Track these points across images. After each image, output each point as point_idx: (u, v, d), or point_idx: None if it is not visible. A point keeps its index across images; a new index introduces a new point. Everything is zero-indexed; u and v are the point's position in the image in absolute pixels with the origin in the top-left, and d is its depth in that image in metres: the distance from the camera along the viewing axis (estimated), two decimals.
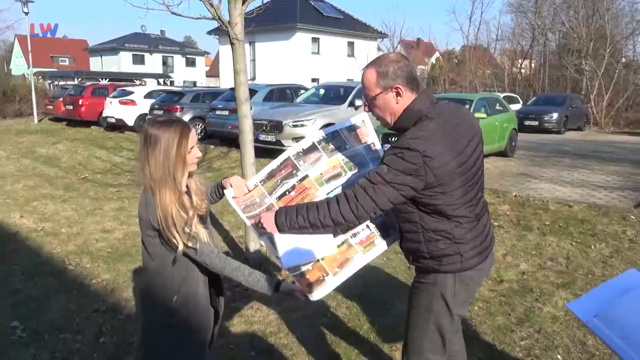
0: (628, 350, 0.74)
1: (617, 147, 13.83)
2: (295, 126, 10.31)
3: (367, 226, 2.18)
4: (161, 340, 1.96)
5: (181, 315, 1.94)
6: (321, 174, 2.24)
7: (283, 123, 10.30)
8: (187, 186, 1.98)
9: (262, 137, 10.48)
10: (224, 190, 2.20)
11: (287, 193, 2.20)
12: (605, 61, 22.50)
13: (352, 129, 2.36)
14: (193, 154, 1.94)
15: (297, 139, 10.18)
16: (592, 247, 5.09)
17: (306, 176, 2.23)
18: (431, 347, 2.09)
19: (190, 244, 1.87)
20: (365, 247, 2.16)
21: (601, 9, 24.57)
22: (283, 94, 14.10)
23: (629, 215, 5.93)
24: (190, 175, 1.99)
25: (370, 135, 2.35)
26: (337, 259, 2.13)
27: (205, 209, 2.03)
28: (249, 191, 2.20)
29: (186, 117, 13.91)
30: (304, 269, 2.11)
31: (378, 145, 2.32)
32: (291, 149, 2.29)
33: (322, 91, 12.94)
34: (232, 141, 11.47)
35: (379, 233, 2.18)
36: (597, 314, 0.81)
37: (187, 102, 14.39)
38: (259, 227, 2.08)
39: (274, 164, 2.26)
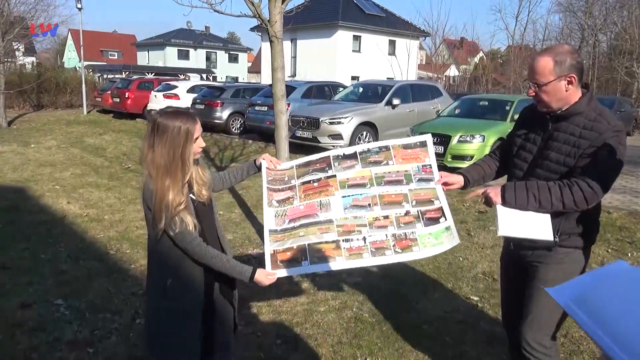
0: (604, 336, 0.75)
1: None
2: (331, 123, 10.38)
3: (364, 238, 2.27)
4: (155, 319, 2.08)
5: (173, 297, 2.03)
6: (347, 178, 2.40)
7: (320, 120, 10.39)
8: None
9: (299, 133, 10.60)
10: (262, 162, 2.41)
11: (311, 182, 2.39)
12: None
13: (410, 146, 2.47)
14: (197, 143, 2.05)
15: (333, 136, 10.27)
16: (629, 254, 4.95)
17: (334, 176, 2.41)
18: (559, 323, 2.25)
19: (174, 228, 1.96)
20: (350, 255, 2.24)
21: None
22: (321, 91, 14.17)
23: None
24: (194, 163, 2.10)
25: (430, 157, 2.44)
26: (321, 252, 2.23)
27: (207, 197, 2.14)
28: (283, 170, 2.43)
29: (226, 112, 14.24)
30: (290, 245, 2.24)
31: (435, 169, 2.41)
32: (334, 151, 2.50)
33: (360, 89, 12.94)
34: (270, 136, 11.62)
35: (371, 249, 2.25)
36: (575, 298, 0.81)
37: (228, 97, 14.65)
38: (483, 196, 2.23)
39: (315, 156, 2.48)
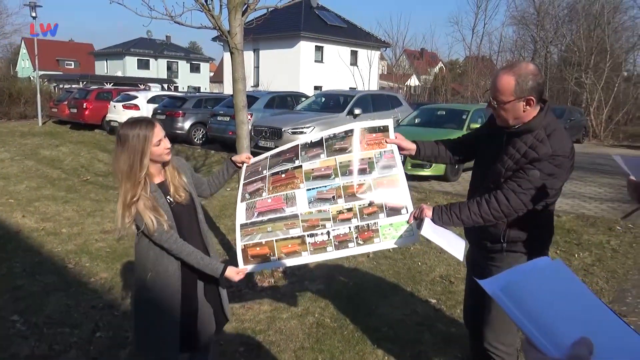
0: (527, 324, 0.81)
1: (614, 160, 13.91)
2: (294, 133, 10.46)
3: (328, 233, 2.36)
4: (137, 310, 2.23)
5: (152, 292, 2.17)
6: (312, 169, 2.44)
7: (282, 130, 10.46)
8: (163, 176, 2.25)
9: (262, 143, 10.63)
10: (243, 165, 2.58)
11: (279, 173, 2.47)
12: (605, 75, 22.65)
13: (374, 130, 2.48)
14: (162, 146, 2.17)
15: None
16: (576, 255, 5.22)
17: (300, 167, 2.46)
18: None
19: (150, 228, 2.11)
20: (315, 249, 2.36)
21: (602, 23, 24.76)
22: (284, 102, 14.26)
23: (615, 226, 6.07)
24: (165, 164, 2.23)
25: (391, 143, 2.48)
26: (288, 247, 2.35)
27: (185, 198, 2.26)
28: (259, 162, 2.56)
29: (188, 122, 14.12)
30: (259, 240, 2.35)
31: (396, 154, 2.43)
32: (302, 139, 2.56)
33: (322, 99, 13.10)
34: (232, 147, 11.57)
35: (335, 242, 2.35)
36: (503, 288, 0.87)
37: (190, 107, 14.56)
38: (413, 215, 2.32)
39: (286, 146, 2.57)
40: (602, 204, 7.62)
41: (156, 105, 15.66)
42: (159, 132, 2.15)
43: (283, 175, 2.47)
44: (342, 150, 2.45)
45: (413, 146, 2.53)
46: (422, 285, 4.49)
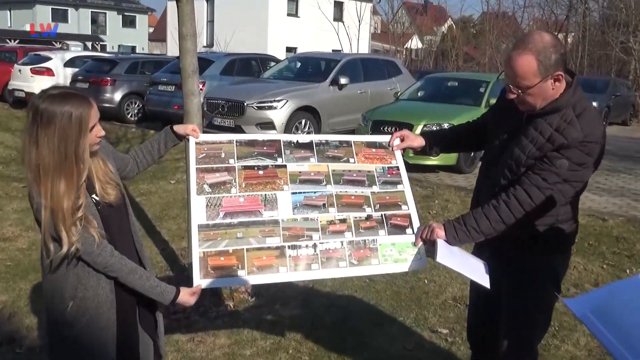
0: (619, 347, 0.90)
1: None
2: (260, 108, 10.37)
3: (314, 246, 2.44)
4: (54, 357, 2.13)
5: (78, 326, 2.08)
6: (300, 172, 2.59)
7: (245, 104, 10.34)
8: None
9: (218, 121, 10.51)
10: (189, 137, 2.50)
11: (255, 168, 2.55)
12: None
13: (373, 145, 2.75)
14: (94, 133, 2.07)
15: (263, 124, 10.25)
16: (628, 270, 5.26)
17: (284, 166, 2.59)
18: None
19: (77, 243, 1.99)
20: (297, 265, 2.41)
21: None
22: (247, 67, 14.16)
23: None
24: (92, 154, 2.11)
25: (397, 159, 2.74)
26: (262, 260, 2.38)
27: (115, 196, 2.18)
28: (220, 143, 2.57)
29: (119, 93, 13.91)
30: (225, 248, 2.37)
31: (403, 172, 2.70)
32: (285, 135, 2.72)
33: (297, 64, 13.03)
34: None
35: (322, 258, 2.44)
36: (592, 309, 0.98)
37: (121, 72, 14.33)
38: (421, 236, 2.48)
39: (261, 136, 2.67)
40: None
41: (76, 69, 15.36)
42: (96, 114, 2.08)
43: (261, 172, 2.54)
44: (336, 159, 2.66)
45: (421, 141, 2.74)
46: (430, 310, 4.46)
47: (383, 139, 2.77)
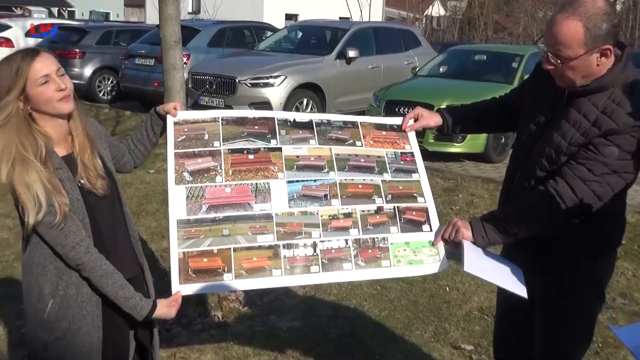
0: None
1: None
2: (254, 86, 10.37)
3: (314, 245, 2.42)
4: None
5: (59, 329, 2.12)
6: (297, 156, 2.57)
7: (237, 80, 10.34)
8: (70, 146, 2.18)
9: (205, 100, 10.50)
10: (168, 117, 2.49)
11: (244, 152, 2.53)
12: None
13: (383, 128, 2.74)
14: (50, 86, 2.05)
15: (258, 104, 10.23)
16: None
17: (279, 149, 2.57)
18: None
19: (48, 225, 2.02)
20: (293, 267, 2.40)
21: None
22: (239, 37, 14.13)
23: None
24: (64, 118, 2.14)
25: (412, 144, 2.73)
26: (252, 261, 2.36)
27: (101, 184, 2.20)
28: (202, 122, 2.53)
29: (89, 68, 13.92)
30: (208, 248, 2.36)
31: (418, 159, 2.70)
32: (280, 113, 2.68)
33: (298, 34, 12.98)
34: (159, 105, 11.44)
35: (323, 259, 2.42)
36: None
37: (92, 44, 14.32)
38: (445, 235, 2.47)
39: (253, 113, 2.67)
40: None
41: (40, 40, 15.47)
42: (45, 63, 2.07)
43: (251, 157, 2.52)
44: (340, 141, 2.61)
45: (438, 119, 2.72)
46: (452, 323, 4.46)
47: (394, 121, 2.75)
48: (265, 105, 10.20)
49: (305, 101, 10.74)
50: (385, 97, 9.48)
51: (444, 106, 8.55)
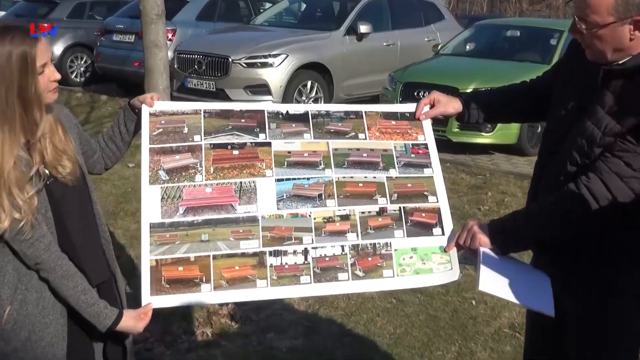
0: None
1: None
2: (251, 66, 10.36)
3: (305, 252, 2.42)
4: None
5: (17, 339, 2.13)
6: (289, 152, 2.59)
7: (230, 60, 10.33)
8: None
9: (193, 83, 10.53)
10: (142, 106, 2.51)
11: (228, 147, 2.54)
12: None
13: (393, 117, 2.72)
14: (46, 75, 2.12)
15: (255, 87, 10.24)
16: None
17: (268, 144, 2.58)
18: None
19: (19, 220, 2.03)
20: (280, 278, 2.39)
21: None
22: (233, 9, 14.16)
23: None
24: (47, 111, 2.17)
25: (426, 133, 2.70)
26: (234, 270, 2.37)
27: (71, 172, 2.22)
28: (182, 114, 2.57)
29: (59, 45, 13.91)
30: (184, 255, 2.37)
31: (433, 150, 2.66)
32: (270, 105, 2.70)
33: (301, 6, 12.96)
34: (138, 88, 11.43)
35: (315, 269, 2.42)
36: None
37: (63, 17, 14.31)
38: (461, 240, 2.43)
39: (239, 105, 2.69)
40: None
41: (2, 13, 15.54)
42: (45, 50, 2.13)
43: (236, 152, 2.53)
44: (340, 135, 2.65)
45: (458, 105, 2.67)
46: (478, 342, 4.46)
47: (406, 108, 2.74)
48: (263, 88, 10.20)
49: (309, 84, 10.73)
50: (403, 80, 9.49)
51: (470, 90, 8.65)
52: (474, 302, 4.96)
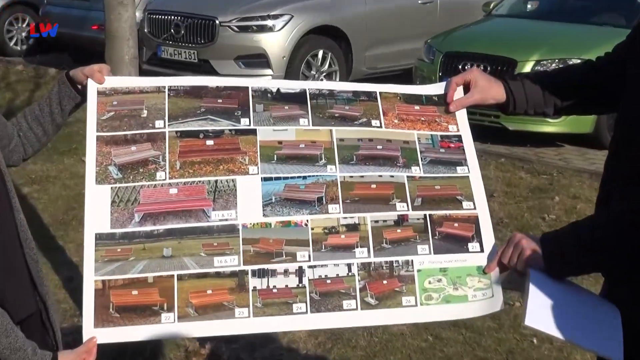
0: None
1: None
2: (244, 29, 10.42)
3: (300, 271, 2.39)
4: None
5: None
6: (280, 142, 2.55)
7: (217, 22, 10.39)
8: None
9: (168, 52, 10.56)
10: (87, 81, 2.48)
11: (200, 136, 2.54)
12: None
13: (416, 100, 2.70)
14: None
15: (249, 58, 10.27)
16: None
17: (252, 131, 2.58)
18: None
19: None
20: (266, 305, 2.36)
21: None
22: None
23: None
24: None
25: (459, 122, 2.66)
26: (203, 294, 2.35)
27: None
28: (140, 92, 2.55)
29: None
30: (139, 275, 2.35)
31: (468, 144, 2.63)
32: (257, 81, 2.69)
33: None
34: (98, 59, 11.49)
35: (313, 294, 2.38)
36: None
37: None
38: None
39: (215, 81, 2.67)
40: None
41: None
42: None
43: (210, 142, 2.53)
44: (347, 121, 2.59)
45: (501, 93, 2.56)
46: None
47: (434, 89, 2.71)
48: (260, 59, 10.23)
49: (320, 54, 10.76)
50: (444, 49, 9.48)
51: (533, 63, 8.65)
52: (535, 341, 4.98)
